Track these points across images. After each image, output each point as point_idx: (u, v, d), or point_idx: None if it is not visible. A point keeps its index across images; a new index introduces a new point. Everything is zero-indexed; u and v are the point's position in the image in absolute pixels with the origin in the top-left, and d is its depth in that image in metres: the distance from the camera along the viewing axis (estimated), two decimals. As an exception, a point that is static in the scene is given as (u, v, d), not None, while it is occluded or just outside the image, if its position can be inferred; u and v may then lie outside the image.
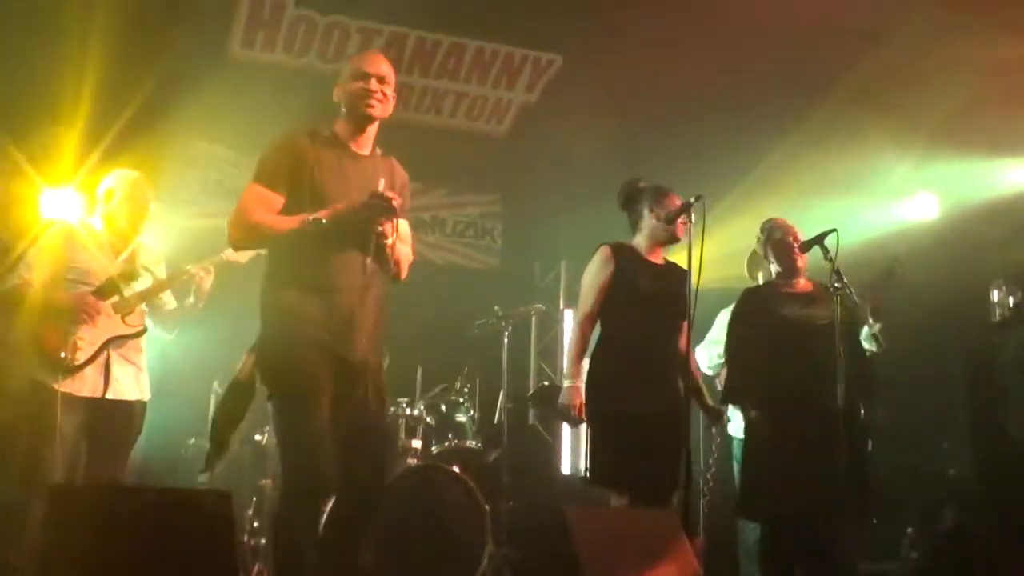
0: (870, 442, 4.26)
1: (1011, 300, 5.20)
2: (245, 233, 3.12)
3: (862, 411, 4.31)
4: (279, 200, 3.09)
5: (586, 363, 4.10)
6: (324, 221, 3.01)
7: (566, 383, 3.94)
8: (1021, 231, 6.17)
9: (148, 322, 4.33)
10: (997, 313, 5.22)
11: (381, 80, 3.22)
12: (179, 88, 6.09)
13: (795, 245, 4.31)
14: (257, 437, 5.46)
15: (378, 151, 3.32)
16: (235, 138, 6.86)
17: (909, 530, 5.27)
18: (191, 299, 4.32)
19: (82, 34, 5.60)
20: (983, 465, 5.07)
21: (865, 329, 4.19)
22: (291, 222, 3.04)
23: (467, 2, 5.87)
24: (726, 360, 4.40)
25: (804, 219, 4.54)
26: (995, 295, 5.26)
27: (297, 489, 2.94)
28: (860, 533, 4.61)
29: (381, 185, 3.06)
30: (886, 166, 6.91)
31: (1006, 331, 5.15)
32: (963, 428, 5.52)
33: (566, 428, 7.55)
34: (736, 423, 4.96)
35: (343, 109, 3.27)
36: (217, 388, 5.56)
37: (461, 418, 5.49)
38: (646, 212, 4.15)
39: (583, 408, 3.88)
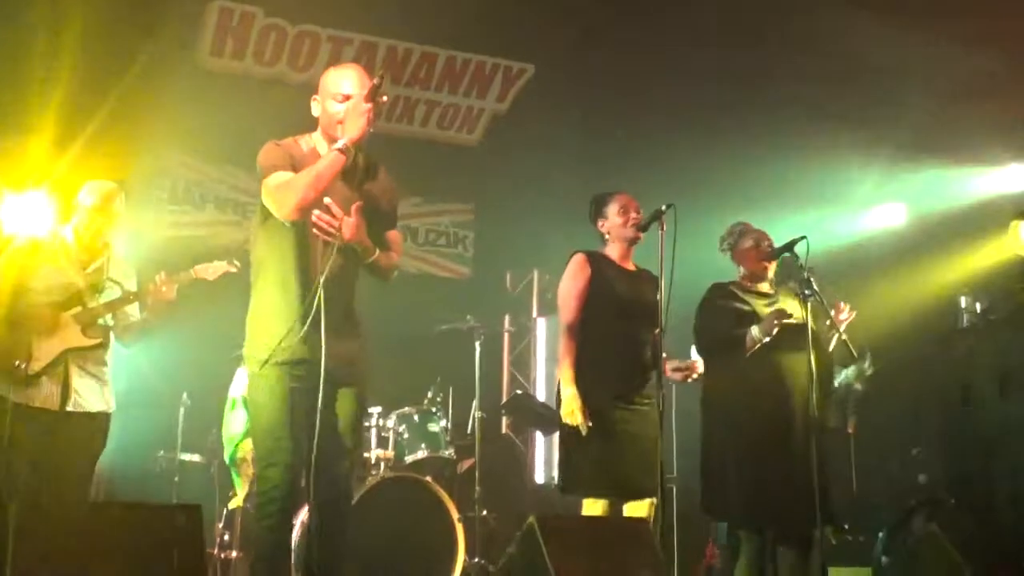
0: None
1: (978, 306, 5.26)
2: (292, 193, 3.03)
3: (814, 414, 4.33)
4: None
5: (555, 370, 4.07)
6: (345, 142, 3.04)
7: (566, 391, 3.87)
8: (987, 239, 6.25)
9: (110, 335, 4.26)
10: (965, 319, 5.28)
11: (378, 88, 3.15)
12: (147, 95, 6.04)
13: (768, 252, 4.34)
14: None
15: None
16: (204, 147, 6.81)
17: (881, 535, 5.30)
18: (142, 313, 4.23)
19: (50, 38, 5.54)
20: (954, 471, 5.11)
21: (853, 368, 4.22)
22: (324, 158, 3.05)
23: (438, 11, 5.87)
24: (696, 341, 4.35)
25: (772, 227, 4.57)
26: (963, 302, 5.32)
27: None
28: (830, 536, 4.60)
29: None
30: (854, 176, 6.99)
31: (975, 338, 5.21)
32: (934, 434, 5.56)
33: (539, 437, 7.53)
34: None
35: (320, 126, 3.24)
36: (187, 400, 5.51)
37: (434, 428, 5.45)
38: (597, 223, 4.20)
39: (587, 414, 3.83)
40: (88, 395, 4.06)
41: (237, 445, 5.00)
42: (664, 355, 3.91)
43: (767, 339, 4.04)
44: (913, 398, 6.04)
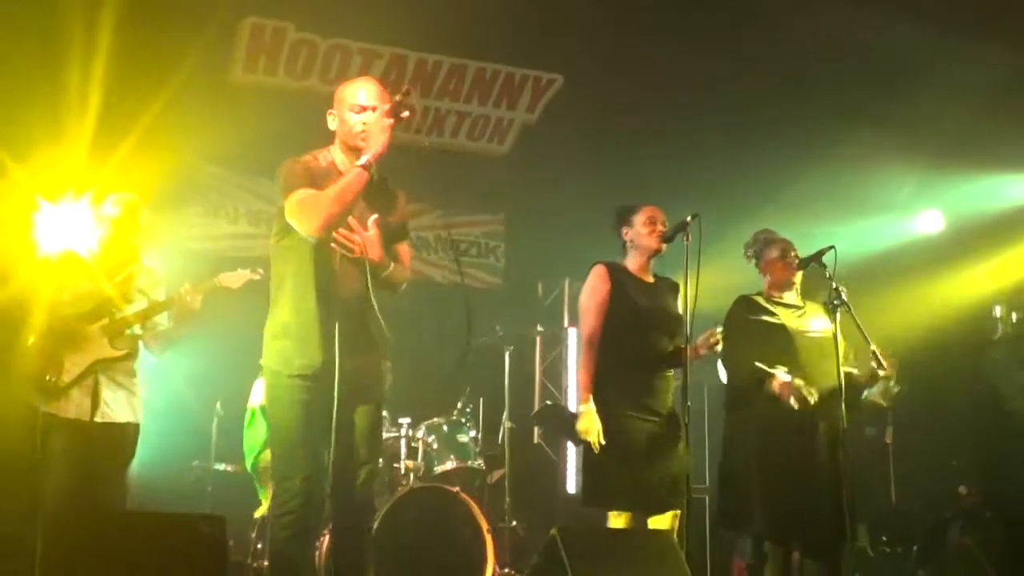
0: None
1: (1014, 317, 5.17)
2: (317, 212, 3.06)
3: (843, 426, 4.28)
4: (318, 191, 3.13)
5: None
6: (367, 158, 3.06)
7: (581, 408, 3.86)
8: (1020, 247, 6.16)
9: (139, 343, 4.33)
10: (1000, 330, 5.19)
11: (375, 110, 3.21)
12: (182, 111, 6.12)
13: (795, 262, 4.30)
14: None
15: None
16: (238, 160, 6.90)
17: (915, 548, 5.23)
18: (170, 323, 4.29)
19: (87, 55, 5.65)
20: (989, 483, 5.03)
21: (880, 385, 4.16)
22: (347, 176, 3.08)
23: (467, 23, 5.90)
24: (726, 365, 4.32)
25: (804, 237, 4.53)
26: (997, 311, 5.24)
27: None
28: (867, 548, 4.54)
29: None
30: (889, 183, 6.91)
31: (1010, 349, 5.12)
32: (970, 445, 5.48)
33: (571, 447, 7.52)
34: None
35: (338, 140, 3.29)
36: (220, 410, 5.57)
37: (463, 438, 5.46)
38: (621, 233, 4.19)
39: (601, 433, 3.81)
40: (116, 406, 4.12)
41: (257, 456, 5.06)
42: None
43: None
44: (950, 408, 5.95)
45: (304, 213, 3.07)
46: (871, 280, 5.91)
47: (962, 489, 6.00)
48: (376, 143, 3.10)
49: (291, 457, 3.08)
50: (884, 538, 5.77)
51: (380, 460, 3.42)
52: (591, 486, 3.91)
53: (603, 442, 3.78)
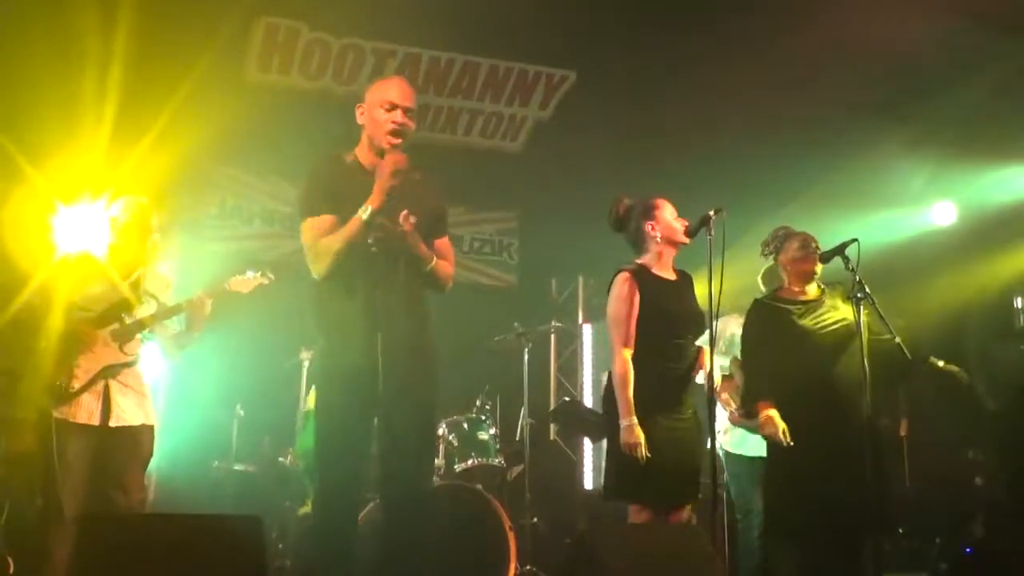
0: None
1: (1033, 309, 5.16)
2: (320, 260, 3.18)
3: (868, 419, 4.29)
4: (329, 219, 3.18)
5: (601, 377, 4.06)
6: (372, 208, 3.09)
7: (624, 423, 3.80)
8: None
9: (153, 345, 4.33)
10: (1022, 320, 5.17)
11: (407, 111, 3.28)
12: (196, 111, 6.12)
13: (816, 255, 4.28)
14: (280, 459, 5.47)
15: None
16: (252, 161, 6.92)
17: (938, 540, 5.22)
18: (182, 327, 4.30)
19: (102, 57, 5.65)
20: (1011, 476, 5.01)
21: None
22: (348, 226, 3.13)
23: (479, 21, 5.89)
24: (744, 370, 4.33)
25: (821, 229, 4.52)
26: (1019, 303, 5.22)
27: None
28: (887, 545, 4.54)
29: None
30: (902, 175, 6.89)
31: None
32: (990, 438, 5.46)
33: (588, 443, 7.52)
34: (738, 439, 4.90)
35: (365, 136, 3.32)
36: (240, 412, 5.58)
37: (483, 436, 5.46)
38: (646, 228, 4.11)
39: (647, 446, 3.78)
40: (130, 409, 4.12)
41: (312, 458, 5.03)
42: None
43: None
44: (968, 400, 5.93)
45: (314, 257, 3.19)
46: (884, 273, 5.90)
47: (978, 480, 6.00)
48: (376, 200, 3.11)
49: (336, 451, 3.12)
50: (901, 531, 5.76)
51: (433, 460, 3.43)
52: (616, 480, 3.89)
53: (649, 454, 3.76)
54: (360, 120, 3.32)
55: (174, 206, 6.34)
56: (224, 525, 2.76)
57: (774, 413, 3.98)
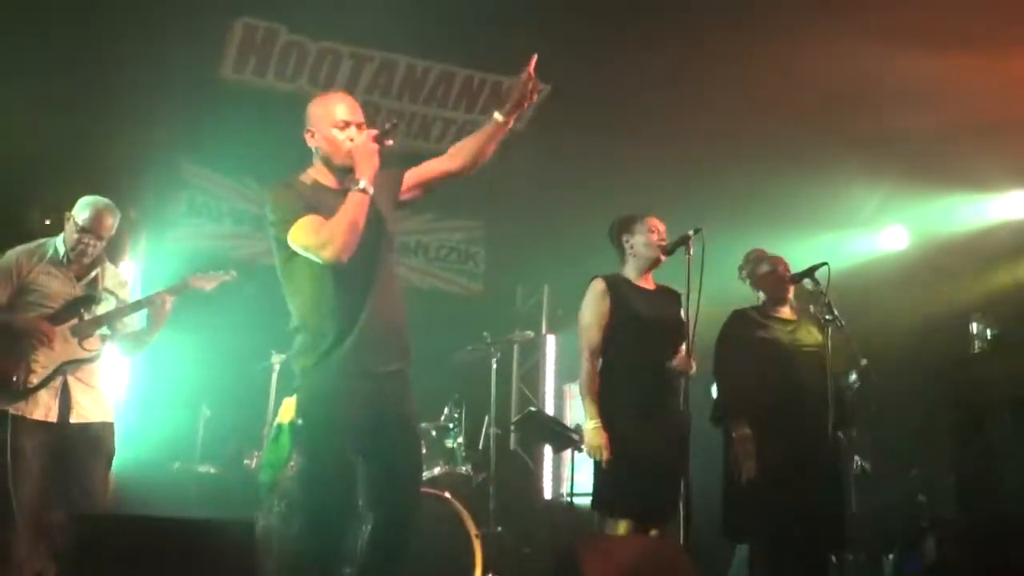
0: (862, 466, 4.36)
1: (989, 332, 5.34)
2: (336, 236, 3.00)
3: (843, 437, 4.45)
4: (319, 217, 3.05)
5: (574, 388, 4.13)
6: (365, 183, 3.02)
7: (590, 424, 3.89)
8: (993, 263, 6.34)
9: (109, 345, 4.28)
10: (976, 345, 5.36)
11: (360, 125, 3.17)
12: (168, 108, 6.09)
13: (786, 277, 4.43)
14: (246, 462, 5.43)
15: None
16: (223, 160, 6.87)
17: (891, 557, 5.36)
18: (143, 325, 4.26)
19: (70, 50, 5.58)
20: (963, 495, 5.17)
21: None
22: (353, 205, 3.02)
23: (457, 31, 5.94)
24: (716, 380, 4.44)
25: (774, 251, 4.65)
26: (974, 327, 5.41)
27: None
28: (842, 557, 4.68)
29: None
30: (857, 199, 7.06)
31: (986, 363, 5.28)
32: (945, 457, 5.62)
33: (548, 453, 7.59)
34: None
35: (319, 159, 3.22)
36: (206, 412, 5.53)
37: (451, 444, 5.50)
38: (622, 241, 4.24)
39: (607, 447, 3.86)
40: (89, 406, 4.10)
41: (276, 471, 5.00)
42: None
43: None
44: (923, 420, 6.11)
45: (320, 243, 3.00)
46: (837, 294, 6.03)
47: (921, 498, 6.16)
48: (368, 169, 3.03)
49: (318, 464, 3.09)
50: (854, 545, 5.89)
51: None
52: (601, 493, 3.97)
53: (610, 457, 3.83)
54: (312, 144, 3.20)
55: (142, 203, 6.27)
56: (219, 528, 2.76)
57: (749, 435, 4.09)
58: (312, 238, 3.01)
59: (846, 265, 6.84)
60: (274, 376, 5.31)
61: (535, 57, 3.13)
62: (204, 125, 6.29)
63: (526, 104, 3.20)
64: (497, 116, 3.21)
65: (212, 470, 5.57)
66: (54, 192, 5.10)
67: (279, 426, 4.96)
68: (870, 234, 7.36)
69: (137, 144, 6.18)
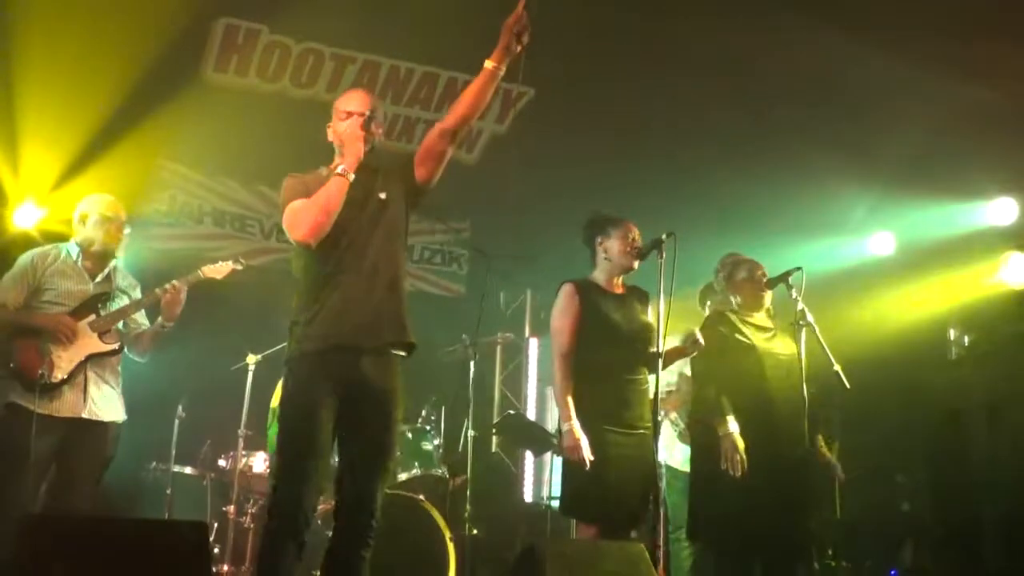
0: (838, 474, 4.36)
1: (965, 340, 5.33)
2: (308, 215, 3.14)
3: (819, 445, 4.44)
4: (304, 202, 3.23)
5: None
6: (344, 167, 3.16)
7: (564, 426, 3.87)
8: (974, 271, 6.34)
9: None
10: (954, 352, 5.35)
11: (361, 115, 3.31)
12: (149, 108, 6.06)
13: (763, 282, 4.41)
14: (221, 463, 5.41)
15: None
16: (203, 159, 6.84)
17: (869, 563, 5.35)
18: (159, 320, 4.30)
19: (52, 51, 5.56)
20: (941, 502, 5.16)
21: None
22: (328, 188, 3.15)
23: (440, 33, 5.93)
24: (698, 372, 4.40)
25: (761, 255, 4.64)
26: (952, 334, 5.40)
27: None
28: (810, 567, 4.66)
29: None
30: (844, 204, 7.07)
31: (963, 370, 5.28)
32: (922, 463, 5.62)
33: (529, 456, 7.57)
34: (684, 457, 4.98)
35: (336, 149, 3.36)
36: (182, 412, 5.51)
37: (427, 446, 5.48)
38: (597, 245, 4.20)
39: (586, 448, 3.83)
40: (103, 404, 4.14)
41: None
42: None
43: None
44: (901, 426, 6.10)
45: (293, 222, 3.19)
46: (821, 299, 6.02)
47: (905, 505, 6.15)
48: (350, 153, 3.20)
49: (293, 454, 3.10)
50: (830, 552, 5.88)
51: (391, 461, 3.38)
52: (569, 496, 3.95)
53: (592, 458, 3.80)
54: (331, 139, 3.37)
55: (121, 202, 6.23)
56: (171, 529, 2.74)
57: (738, 439, 4.06)
58: (288, 219, 3.20)
59: (829, 270, 6.87)
60: (249, 377, 5.29)
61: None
62: (185, 126, 6.27)
63: (517, 46, 3.19)
64: (487, 63, 3.22)
65: (188, 471, 5.55)
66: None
67: (272, 410, 4.97)
68: (857, 241, 7.36)
69: (118, 142, 6.15)
